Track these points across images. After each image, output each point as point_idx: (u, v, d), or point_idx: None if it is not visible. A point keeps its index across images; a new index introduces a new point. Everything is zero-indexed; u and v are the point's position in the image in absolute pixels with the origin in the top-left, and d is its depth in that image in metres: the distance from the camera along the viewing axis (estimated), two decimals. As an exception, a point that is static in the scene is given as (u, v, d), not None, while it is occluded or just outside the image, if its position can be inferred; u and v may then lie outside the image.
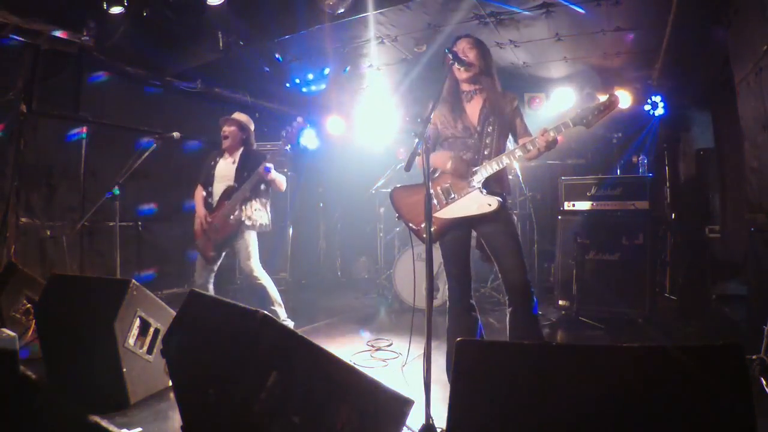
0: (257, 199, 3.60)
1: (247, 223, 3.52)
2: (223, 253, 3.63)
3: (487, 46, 2.58)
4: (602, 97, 2.31)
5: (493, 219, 2.41)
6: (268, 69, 5.08)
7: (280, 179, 3.63)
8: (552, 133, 2.30)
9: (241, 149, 3.73)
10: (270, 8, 4.06)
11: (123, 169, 3.78)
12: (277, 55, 4.89)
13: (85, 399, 2.35)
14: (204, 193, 3.69)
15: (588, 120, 2.30)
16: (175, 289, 5.01)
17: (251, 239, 3.60)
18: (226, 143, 3.69)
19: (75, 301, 2.55)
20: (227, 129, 3.71)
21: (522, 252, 2.42)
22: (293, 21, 4.04)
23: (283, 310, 3.57)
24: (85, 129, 4.49)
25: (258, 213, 3.58)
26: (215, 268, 3.62)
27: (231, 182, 3.59)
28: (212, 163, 3.73)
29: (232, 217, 3.51)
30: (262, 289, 3.52)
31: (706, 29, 3.92)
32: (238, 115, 3.77)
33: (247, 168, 3.59)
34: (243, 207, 3.53)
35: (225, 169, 3.67)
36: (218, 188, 3.63)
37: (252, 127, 3.81)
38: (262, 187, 3.63)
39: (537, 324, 2.42)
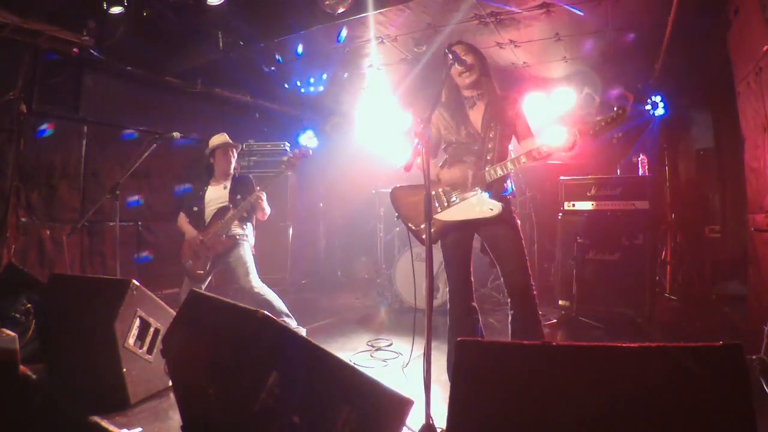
0: (251, 222, 3.76)
1: (245, 236, 3.66)
2: (212, 273, 3.66)
3: (485, 47, 2.57)
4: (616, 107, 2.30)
5: (496, 222, 2.40)
6: (274, 69, 5.07)
7: (266, 209, 3.70)
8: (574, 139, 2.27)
9: (232, 174, 3.83)
10: (270, 8, 4.06)
11: (123, 169, 3.80)
12: (277, 56, 4.88)
13: (85, 399, 2.35)
14: (188, 219, 3.77)
15: (596, 132, 2.29)
16: (175, 289, 5.01)
17: (247, 254, 3.65)
18: (221, 170, 3.77)
19: (75, 301, 2.55)
20: (230, 155, 3.78)
21: (525, 255, 2.40)
22: (293, 21, 4.04)
23: (293, 319, 3.57)
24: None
25: (251, 233, 3.74)
26: (203, 286, 3.65)
27: (225, 203, 3.67)
28: (200, 193, 3.79)
29: (225, 235, 3.58)
30: (269, 305, 3.52)
31: (706, 30, 3.92)
32: (224, 138, 3.82)
33: (238, 191, 3.70)
34: (242, 226, 3.66)
35: (217, 193, 3.75)
36: (210, 210, 3.70)
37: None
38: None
39: (539, 327, 2.41)
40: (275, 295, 3.59)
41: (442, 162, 2.62)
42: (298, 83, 5.65)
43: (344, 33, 4.40)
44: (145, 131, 4.84)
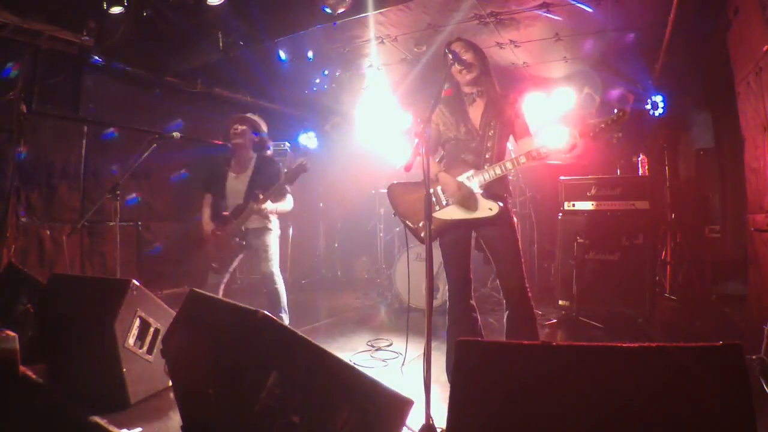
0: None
1: (268, 229, 3.46)
2: (232, 265, 3.51)
3: (483, 46, 2.57)
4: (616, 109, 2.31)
5: (494, 222, 2.40)
6: (285, 62, 5.02)
7: (280, 210, 3.43)
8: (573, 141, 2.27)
9: (254, 159, 3.54)
10: (270, 8, 4.06)
11: (123, 169, 3.77)
12: (282, 54, 4.86)
13: (85, 399, 2.35)
14: (211, 202, 3.57)
15: (596, 133, 2.30)
16: (175, 289, 5.01)
17: (271, 241, 3.48)
18: (236, 143, 3.49)
19: (75, 301, 2.55)
20: (238, 127, 3.50)
21: (520, 256, 2.41)
22: (293, 21, 4.04)
23: (288, 316, 3.53)
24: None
25: (275, 222, 3.53)
26: (229, 270, 3.51)
27: (240, 200, 3.45)
28: (222, 172, 3.55)
29: (237, 238, 3.41)
30: (276, 296, 3.45)
31: (706, 29, 3.92)
32: (251, 115, 3.60)
33: (257, 185, 3.41)
34: (265, 217, 3.45)
35: (236, 184, 3.51)
36: (230, 203, 3.51)
37: (265, 129, 3.60)
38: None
39: (534, 327, 2.42)
40: (284, 290, 3.52)
41: (440, 159, 2.62)
42: (301, 85, 5.66)
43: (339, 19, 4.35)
44: (145, 131, 4.84)
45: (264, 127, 3.63)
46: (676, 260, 4.97)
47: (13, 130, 4.00)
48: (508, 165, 2.37)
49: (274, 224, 3.55)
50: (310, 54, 4.71)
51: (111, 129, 4.78)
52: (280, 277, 3.52)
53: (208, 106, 5.64)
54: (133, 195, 4.91)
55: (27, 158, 4.13)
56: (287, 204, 3.50)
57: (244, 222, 3.41)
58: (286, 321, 3.50)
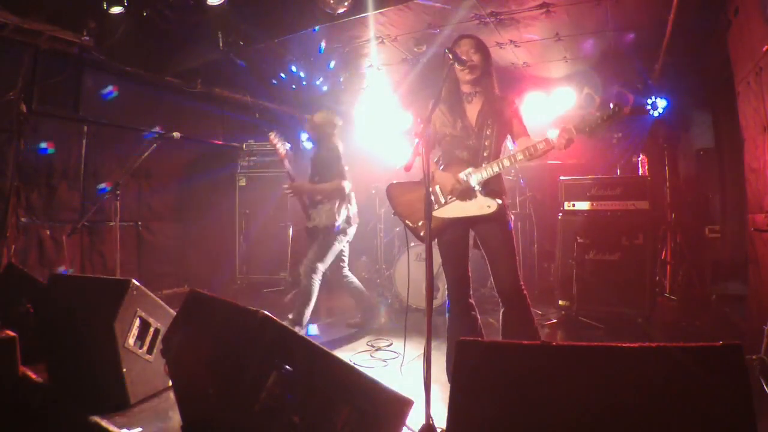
0: (325, 201, 3.72)
1: (329, 227, 3.68)
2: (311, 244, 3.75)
3: (487, 46, 2.57)
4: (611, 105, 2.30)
5: (491, 220, 2.41)
6: (296, 70, 5.13)
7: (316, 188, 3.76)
8: (570, 135, 2.25)
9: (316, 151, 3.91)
10: (270, 8, 4.06)
11: (123, 169, 3.78)
12: (292, 67, 4.93)
13: (85, 399, 2.35)
14: None
15: (592, 128, 2.29)
16: (175, 289, 5.01)
17: (325, 239, 3.66)
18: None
19: (75, 301, 2.55)
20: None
21: (515, 256, 2.41)
22: (293, 21, 4.04)
23: (302, 329, 3.56)
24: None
25: (322, 213, 3.69)
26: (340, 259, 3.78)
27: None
28: None
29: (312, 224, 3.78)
30: (307, 294, 3.56)
31: (706, 30, 3.92)
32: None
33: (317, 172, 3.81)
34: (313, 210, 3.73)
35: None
36: None
37: (321, 125, 3.84)
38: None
39: (532, 326, 2.41)
40: (315, 294, 3.61)
41: (437, 158, 2.62)
42: (304, 83, 5.66)
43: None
44: (145, 131, 4.83)
45: (321, 126, 3.84)
46: (676, 260, 4.97)
47: (13, 130, 3.99)
48: (506, 162, 2.37)
49: (321, 215, 3.73)
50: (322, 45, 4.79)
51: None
52: (316, 278, 3.61)
53: (208, 106, 5.64)
54: (133, 195, 4.88)
55: (27, 158, 4.12)
56: (325, 188, 3.72)
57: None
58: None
